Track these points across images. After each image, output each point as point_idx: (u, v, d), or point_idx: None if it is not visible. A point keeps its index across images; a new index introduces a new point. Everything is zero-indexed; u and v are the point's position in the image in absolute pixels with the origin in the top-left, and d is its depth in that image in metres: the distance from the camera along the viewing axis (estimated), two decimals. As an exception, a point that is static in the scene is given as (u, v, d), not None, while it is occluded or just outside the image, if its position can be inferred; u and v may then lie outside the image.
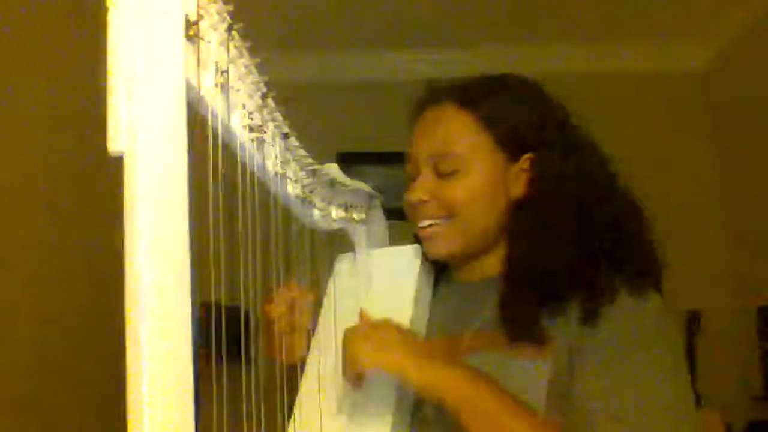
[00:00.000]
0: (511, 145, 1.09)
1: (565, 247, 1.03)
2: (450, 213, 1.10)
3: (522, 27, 3.79)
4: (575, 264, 1.02)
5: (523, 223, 1.08)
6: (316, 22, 3.74)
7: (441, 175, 1.10)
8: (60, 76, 2.52)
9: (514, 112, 1.10)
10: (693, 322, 2.93)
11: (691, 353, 2.84)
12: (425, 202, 1.11)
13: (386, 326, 0.99)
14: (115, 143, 0.57)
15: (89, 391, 2.61)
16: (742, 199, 3.72)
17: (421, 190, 1.11)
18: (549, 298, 1.02)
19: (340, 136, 3.77)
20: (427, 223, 1.12)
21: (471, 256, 1.14)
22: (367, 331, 0.98)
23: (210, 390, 0.83)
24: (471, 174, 1.09)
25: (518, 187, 1.09)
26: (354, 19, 3.73)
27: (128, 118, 0.57)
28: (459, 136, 1.10)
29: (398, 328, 0.99)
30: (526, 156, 1.09)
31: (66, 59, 2.50)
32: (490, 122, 1.09)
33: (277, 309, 1.12)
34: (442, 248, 1.13)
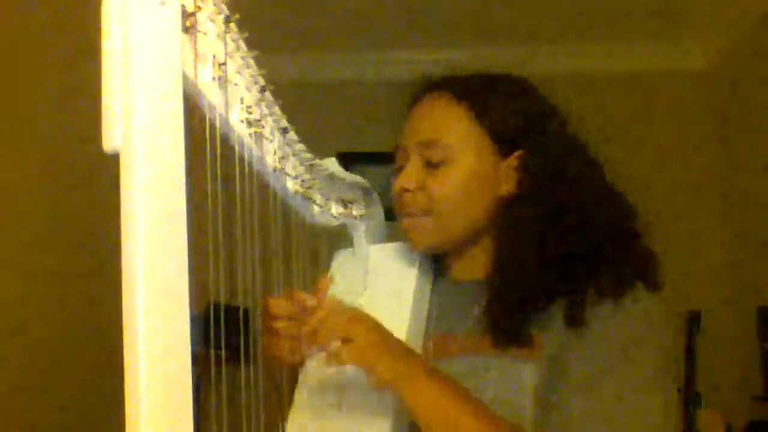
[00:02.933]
0: (503, 140, 1.08)
1: (551, 248, 1.01)
2: (433, 206, 1.08)
3: (522, 27, 3.78)
4: (561, 265, 1.00)
5: (510, 221, 1.06)
6: (315, 22, 3.73)
7: (429, 164, 1.08)
8: (59, 73, 2.51)
9: (507, 109, 1.09)
10: (693, 322, 2.92)
11: (691, 353, 2.82)
12: (410, 191, 1.10)
13: (373, 323, 0.95)
14: (110, 140, 0.55)
15: (89, 388, 2.60)
16: (742, 199, 3.72)
17: (408, 178, 1.10)
18: (534, 301, 1.00)
19: (340, 136, 3.77)
20: (410, 213, 1.11)
21: (456, 250, 1.13)
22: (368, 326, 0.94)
23: (209, 389, 0.82)
24: (459, 165, 1.07)
25: (507, 184, 1.08)
26: (354, 19, 3.72)
27: (123, 114, 0.55)
28: (450, 125, 1.08)
29: (380, 326, 0.96)
30: (517, 153, 1.08)
31: (65, 55, 2.49)
32: (482, 115, 1.08)
33: (280, 312, 1.07)
34: (423, 241, 1.12)
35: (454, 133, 1.08)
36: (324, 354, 0.93)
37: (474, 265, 1.12)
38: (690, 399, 2.74)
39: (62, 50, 2.50)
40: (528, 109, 1.10)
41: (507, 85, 1.13)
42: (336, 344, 0.91)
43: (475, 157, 1.07)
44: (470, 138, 1.08)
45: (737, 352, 3.59)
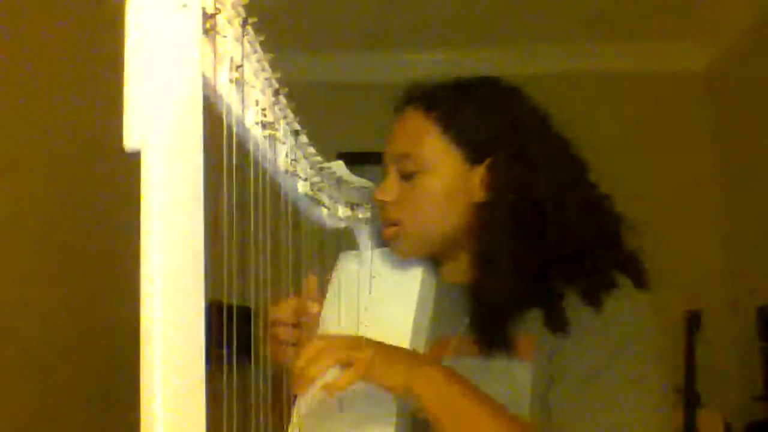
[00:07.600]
0: (472, 148, 1.10)
1: (525, 253, 1.03)
2: (405, 217, 1.12)
3: (522, 27, 3.78)
4: (539, 269, 1.02)
5: (482, 227, 1.08)
6: (315, 22, 3.73)
7: (403, 176, 1.12)
8: (61, 74, 2.51)
9: (476, 118, 1.11)
10: (693, 322, 2.92)
11: (691, 353, 2.83)
12: (386, 203, 1.14)
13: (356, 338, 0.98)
14: (130, 139, 0.56)
15: (89, 388, 2.61)
16: (742, 199, 3.72)
17: (384, 190, 1.14)
18: (513, 305, 1.02)
19: (340, 136, 3.76)
20: (387, 223, 1.15)
21: (443, 255, 1.16)
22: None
23: (216, 389, 0.82)
24: (430, 176, 1.10)
25: (480, 191, 1.09)
26: (354, 19, 3.73)
27: (144, 113, 0.55)
28: (419, 138, 1.11)
29: (378, 342, 0.97)
30: (487, 161, 1.09)
31: (82, 53, 2.49)
32: (450, 126, 1.10)
33: (283, 319, 1.11)
34: (400, 249, 1.16)
35: (423, 146, 1.11)
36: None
37: (462, 269, 1.14)
38: (690, 399, 2.74)
39: (66, 51, 2.50)
40: (498, 116, 1.11)
41: (480, 92, 1.14)
42: (333, 372, 0.92)
43: (445, 168, 1.10)
44: (439, 149, 1.10)
45: (737, 352, 3.60)
